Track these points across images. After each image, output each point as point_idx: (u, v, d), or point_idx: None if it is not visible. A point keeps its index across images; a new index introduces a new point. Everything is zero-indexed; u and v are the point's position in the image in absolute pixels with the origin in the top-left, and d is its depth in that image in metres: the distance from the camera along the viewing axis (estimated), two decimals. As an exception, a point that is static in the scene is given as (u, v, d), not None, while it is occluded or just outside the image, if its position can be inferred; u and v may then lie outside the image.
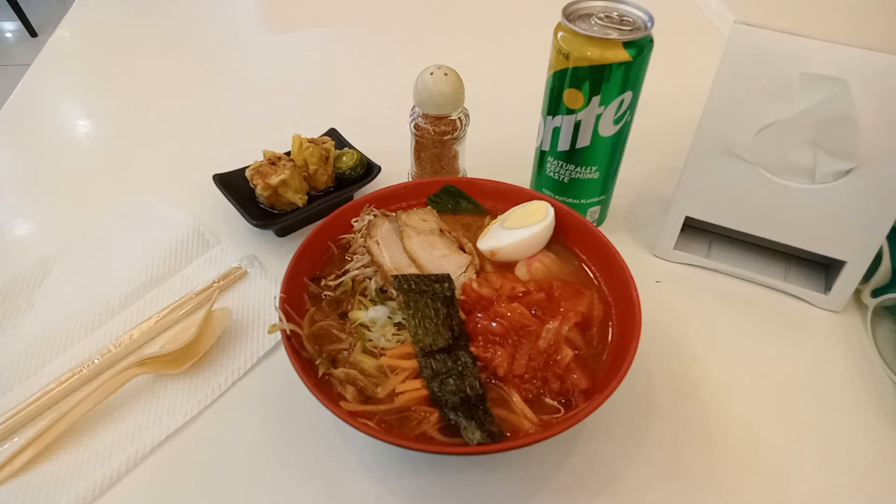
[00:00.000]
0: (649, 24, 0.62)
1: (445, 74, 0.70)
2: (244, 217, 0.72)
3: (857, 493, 0.55)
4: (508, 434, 0.50)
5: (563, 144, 0.68)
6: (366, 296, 0.59)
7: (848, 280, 0.66)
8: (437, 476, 0.55)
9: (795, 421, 0.60)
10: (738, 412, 0.60)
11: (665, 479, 0.55)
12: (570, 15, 0.63)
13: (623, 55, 0.61)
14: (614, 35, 0.61)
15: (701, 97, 0.63)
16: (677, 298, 0.70)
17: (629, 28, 0.62)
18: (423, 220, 0.64)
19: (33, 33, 3.05)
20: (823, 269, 0.71)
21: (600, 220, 0.77)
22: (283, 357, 0.63)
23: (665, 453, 0.57)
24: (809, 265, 0.72)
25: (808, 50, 0.58)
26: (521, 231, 0.62)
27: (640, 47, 0.61)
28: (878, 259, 0.65)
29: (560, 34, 0.63)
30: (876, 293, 0.66)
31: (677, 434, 0.58)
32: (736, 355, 0.65)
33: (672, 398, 0.61)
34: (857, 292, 0.68)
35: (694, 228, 0.72)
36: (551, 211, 0.63)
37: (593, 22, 0.63)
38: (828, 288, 0.68)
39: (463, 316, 0.57)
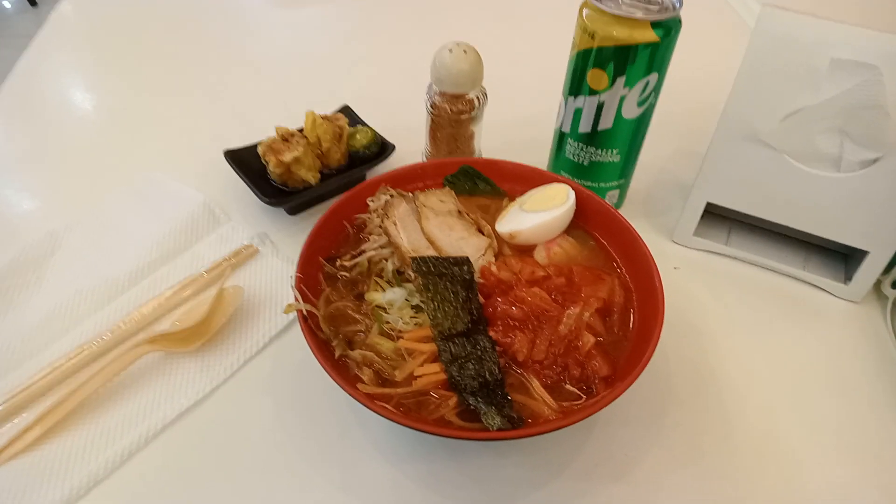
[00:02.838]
0: (677, 5, 0.60)
1: (465, 52, 0.68)
2: (256, 194, 0.71)
3: (872, 482, 0.55)
4: (529, 420, 0.49)
5: (585, 126, 0.67)
6: (382, 277, 0.58)
7: (869, 270, 0.65)
8: (453, 460, 0.54)
9: (812, 410, 0.59)
10: (755, 400, 0.60)
11: (682, 465, 0.55)
12: (596, -8, 0.62)
13: (650, 36, 0.59)
14: (642, 15, 0.59)
15: (719, 82, 0.61)
16: (696, 285, 0.69)
17: (657, 8, 0.60)
18: (441, 202, 0.63)
19: (33, 2, 3.01)
20: (843, 258, 0.70)
21: (618, 205, 0.76)
22: (295, 337, 0.62)
23: (682, 440, 0.56)
24: (829, 254, 0.71)
25: (838, 35, 0.57)
26: (541, 214, 0.61)
27: (668, 28, 0.60)
28: (900, 249, 0.64)
29: (586, 12, 0.62)
30: (897, 284, 0.66)
31: (694, 421, 0.58)
32: (754, 343, 0.64)
33: (689, 385, 0.60)
34: (878, 283, 0.67)
35: (713, 215, 0.71)
36: (572, 194, 0.62)
37: (620, 1, 0.61)
38: (848, 278, 0.68)
39: (482, 300, 0.56)
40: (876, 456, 0.56)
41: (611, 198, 0.73)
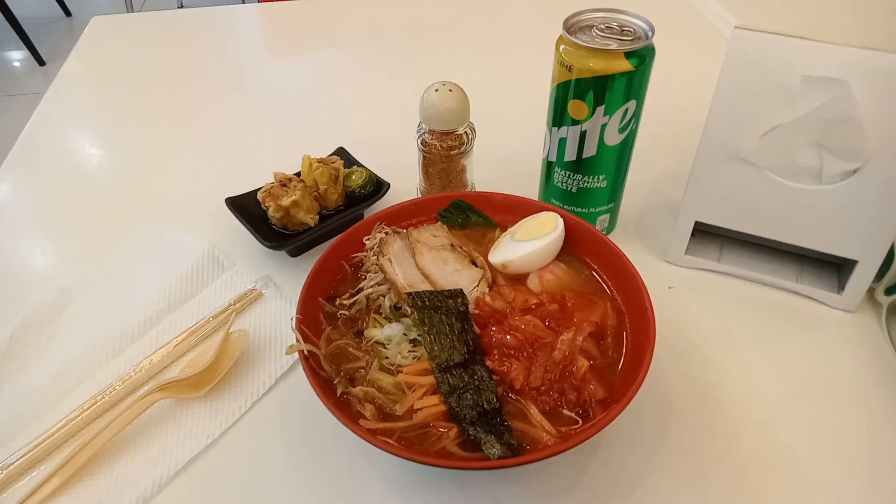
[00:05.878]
0: (650, 34, 0.63)
1: (450, 90, 0.71)
2: (257, 239, 0.73)
3: (880, 489, 0.55)
4: (528, 447, 0.50)
5: (570, 155, 0.69)
6: (381, 313, 0.60)
7: (860, 279, 0.66)
8: (459, 491, 0.55)
9: (815, 421, 0.60)
10: (757, 414, 0.60)
11: (687, 484, 0.55)
12: (570, 27, 0.64)
13: (625, 65, 0.61)
14: (615, 46, 0.62)
15: (707, 101, 0.63)
16: (692, 303, 0.70)
17: (630, 38, 0.63)
18: (434, 236, 0.65)
19: (41, 62, 3.10)
20: (836, 268, 0.71)
21: (610, 228, 0.77)
22: (301, 377, 0.63)
23: (686, 458, 0.57)
24: (822, 265, 0.72)
25: (807, 52, 0.58)
26: (531, 243, 0.62)
27: (642, 57, 0.62)
28: (890, 256, 0.65)
29: (562, 47, 0.64)
30: (889, 291, 0.66)
31: (698, 438, 0.59)
32: (752, 358, 0.65)
33: (691, 403, 0.61)
34: (871, 290, 0.68)
35: (705, 233, 0.72)
36: (560, 222, 0.64)
37: (594, 33, 0.63)
38: (841, 287, 0.68)
39: (477, 330, 0.57)
40: (883, 462, 0.57)
41: (602, 222, 0.75)
